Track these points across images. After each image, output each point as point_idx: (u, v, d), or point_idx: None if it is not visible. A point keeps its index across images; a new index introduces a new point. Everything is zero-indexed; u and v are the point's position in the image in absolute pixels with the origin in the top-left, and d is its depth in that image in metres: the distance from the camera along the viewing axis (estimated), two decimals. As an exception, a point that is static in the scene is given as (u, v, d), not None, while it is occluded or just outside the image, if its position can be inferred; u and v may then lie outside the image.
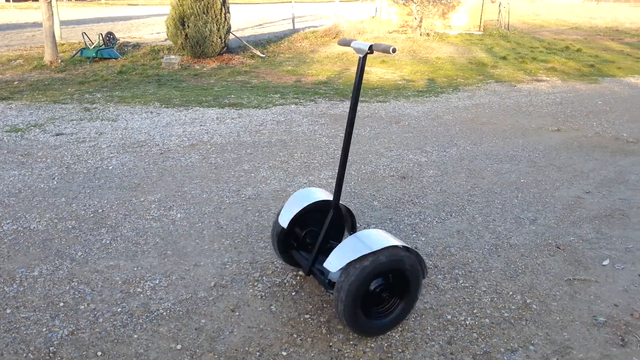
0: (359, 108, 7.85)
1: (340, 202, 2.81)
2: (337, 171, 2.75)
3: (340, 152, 5.57)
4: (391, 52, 2.36)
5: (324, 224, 2.77)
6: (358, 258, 2.38)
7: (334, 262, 2.43)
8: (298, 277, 3.11)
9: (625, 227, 3.93)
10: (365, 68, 11.85)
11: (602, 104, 8.68)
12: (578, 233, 3.82)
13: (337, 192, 2.72)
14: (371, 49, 2.44)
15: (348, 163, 5.20)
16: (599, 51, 15.68)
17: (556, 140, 6.34)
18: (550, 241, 3.68)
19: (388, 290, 2.54)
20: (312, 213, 2.94)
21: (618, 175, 5.11)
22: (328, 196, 2.94)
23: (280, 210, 2.96)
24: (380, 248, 2.40)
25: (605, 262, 3.39)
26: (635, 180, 4.97)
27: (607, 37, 19.34)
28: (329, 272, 2.62)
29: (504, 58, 13.59)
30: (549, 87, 10.28)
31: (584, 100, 8.98)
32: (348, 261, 2.39)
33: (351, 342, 2.55)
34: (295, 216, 2.88)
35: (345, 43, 2.63)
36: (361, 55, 2.49)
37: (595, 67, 12.89)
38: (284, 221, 2.90)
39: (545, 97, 9.25)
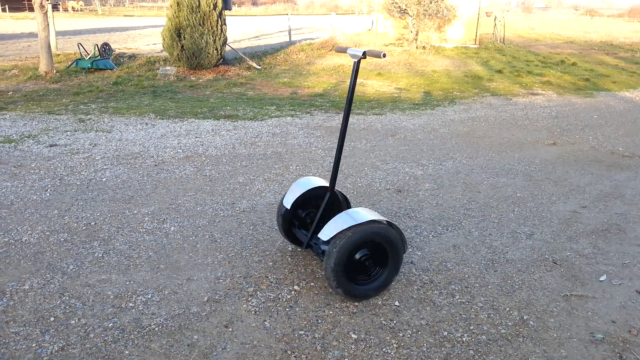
0: (354, 121, 7.85)
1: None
2: (332, 165, 3.13)
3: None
4: (382, 57, 2.83)
5: (320, 206, 3.21)
6: (344, 229, 2.80)
7: (326, 232, 2.86)
8: (293, 292, 3.08)
9: (622, 242, 3.91)
10: (362, 80, 11.89)
11: (598, 118, 8.70)
12: (575, 248, 3.79)
13: (333, 178, 3.15)
14: (364, 55, 2.90)
15: (344, 176, 5.19)
16: (594, 65, 15.79)
17: (552, 154, 6.34)
18: (547, 256, 3.65)
19: (371, 259, 2.94)
20: (311, 197, 3.37)
21: (614, 189, 5.11)
22: (326, 183, 3.37)
23: (285, 195, 3.39)
24: (364, 221, 2.83)
25: (603, 278, 3.36)
26: (631, 194, 4.97)
27: (601, 52, 19.50)
28: (322, 243, 3.06)
29: (500, 71, 13.65)
30: (544, 101, 10.32)
31: (580, 114, 9.01)
32: (337, 232, 2.81)
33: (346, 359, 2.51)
34: (297, 199, 3.32)
35: (341, 50, 3.20)
36: (356, 60, 2.97)
37: (591, 81, 12.97)
38: (288, 203, 3.32)
39: (541, 110, 9.28)
